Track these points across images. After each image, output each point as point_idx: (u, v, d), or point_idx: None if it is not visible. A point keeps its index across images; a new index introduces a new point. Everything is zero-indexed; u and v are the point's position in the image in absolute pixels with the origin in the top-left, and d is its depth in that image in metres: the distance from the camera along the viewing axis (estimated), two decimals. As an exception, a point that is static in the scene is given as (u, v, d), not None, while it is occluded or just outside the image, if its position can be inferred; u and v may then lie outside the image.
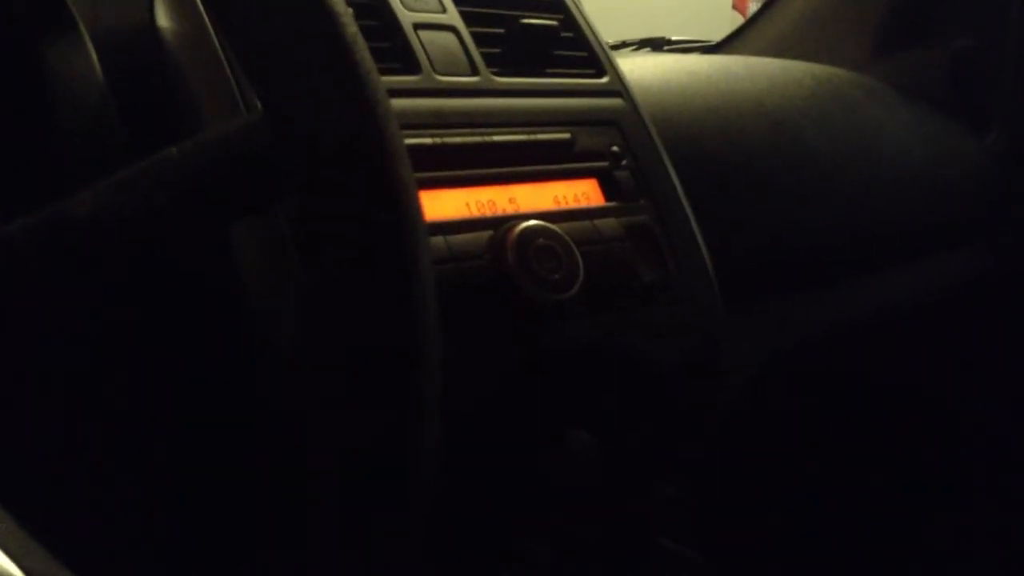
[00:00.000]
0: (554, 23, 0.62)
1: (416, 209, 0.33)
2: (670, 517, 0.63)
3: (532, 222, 0.52)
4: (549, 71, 0.62)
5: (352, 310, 0.33)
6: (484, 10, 0.60)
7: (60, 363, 0.44)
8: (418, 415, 0.33)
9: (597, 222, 0.56)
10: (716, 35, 1.17)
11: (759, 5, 1.15)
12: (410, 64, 0.55)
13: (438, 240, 0.50)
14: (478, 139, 0.55)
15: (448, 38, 0.57)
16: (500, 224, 0.52)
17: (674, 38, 1.19)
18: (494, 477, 0.55)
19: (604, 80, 0.64)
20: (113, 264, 0.36)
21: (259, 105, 0.35)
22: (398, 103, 0.53)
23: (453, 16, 0.58)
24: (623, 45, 1.16)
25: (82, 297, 0.38)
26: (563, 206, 0.57)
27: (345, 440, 0.33)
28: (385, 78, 0.53)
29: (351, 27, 0.33)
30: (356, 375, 0.33)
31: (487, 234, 0.52)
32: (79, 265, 0.36)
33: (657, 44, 1.17)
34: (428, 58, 0.55)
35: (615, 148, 0.60)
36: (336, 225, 0.33)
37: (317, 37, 0.33)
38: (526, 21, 0.60)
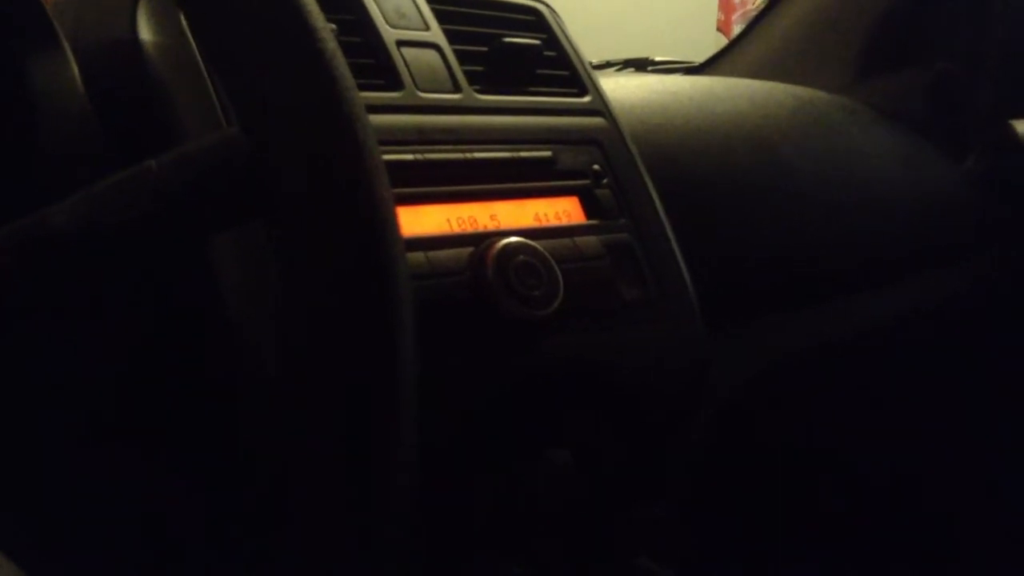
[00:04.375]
0: (537, 42, 0.63)
1: (393, 225, 0.33)
2: (648, 537, 0.63)
3: (513, 239, 0.52)
4: (531, 89, 0.62)
5: (328, 325, 0.33)
6: (467, 28, 0.61)
7: (36, 375, 0.43)
8: (395, 432, 0.33)
9: (578, 240, 0.57)
10: (700, 56, 1.18)
11: (743, 27, 1.17)
12: (393, 81, 0.55)
13: (418, 256, 0.50)
14: (460, 156, 0.55)
15: (431, 55, 0.57)
16: (481, 240, 0.52)
17: (657, 58, 1.20)
18: (471, 494, 0.54)
19: (586, 99, 0.64)
20: (90, 276, 0.36)
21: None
22: (380, 119, 0.53)
23: (436, 34, 0.59)
24: (607, 65, 1.17)
25: (58, 310, 0.38)
26: (544, 223, 0.57)
27: (321, 458, 0.33)
28: (367, 94, 0.53)
29: (330, 43, 0.33)
30: (332, 390, 0.33)
31: (468, 250, 0.52)
32: (56, 277, 0.35)
33: (640, 64, 1.18)
34: (411, 75, 0.56)
35: (596, 167, 0.61)
36: (312, 240, 0.33)
37: (296, 53, 0.33)
38: (509, 40, 0.61)
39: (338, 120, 0.33)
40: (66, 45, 0.50)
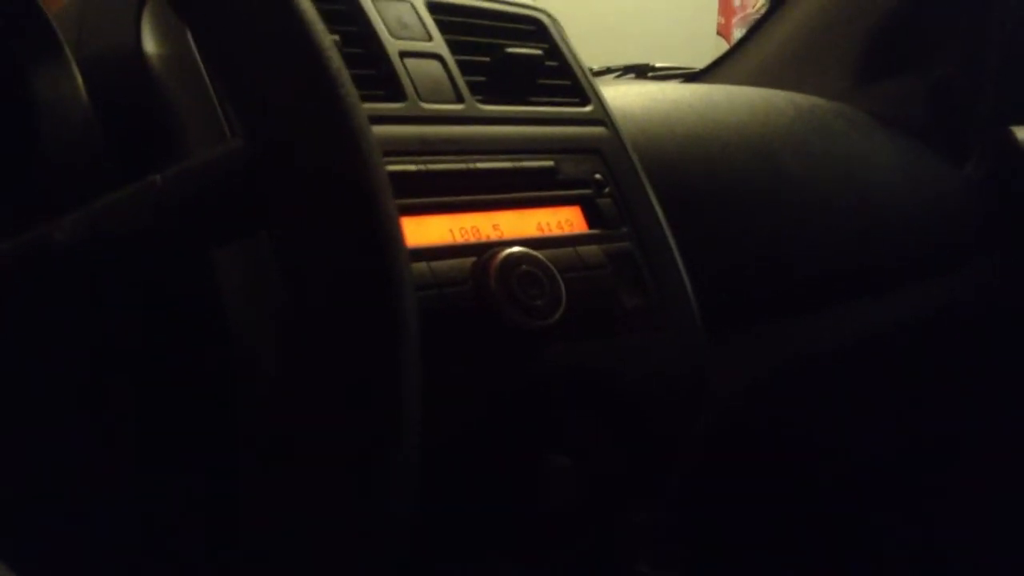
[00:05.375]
0: (538, 52, 0.63)
1: (398, 237, 0.33)
2: (648, 542, 0.63)
3: (515, 249, 0.53)
4: (533, 99, 0.62)
5: (331, 337, 0.33)
6: (469, 39, 0.61)
7: (38, 384, 0.44)
8: (398, 442, 0.33)
9: (580, 249, 0.57)
10: (700, 59, 1.18)
11: (743, 31, 1.17)
12: (395, 91, 0.55)
13: (421, 266, 0.50)
14: (462, 166, 0.55)
15: (433, 66, 0.58)
16: (483, 250, 0.52)
17: (658, 64, 1.20)
18: (472, 501, 0.55)
19: (588, 109, 0.64)
20: (94, 290, 0.36)
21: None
22: (383, 130, 0.53)
23: (439, 44, 0.59)
24: (607, 71, 1.17)
25: (61, 322, 0.38)
26: (546, 233, 0.57)
27: (322, 467, 0.33)
28: (370, 105, 0.53)
29: (335, 59, 0.34)
30: (335, 403, 0.33)
31: (470, 260, 0.52)
32: (58, 291, 0.36)
33: (641, 70, 1.18)
34: (413, 86, 0.56)
35: (598, 176, 0.61)
36: (316, 253, 0.33)
37: (301, 68, 0.33)
38: (511, 50, 0.61)
39: (342, 134, 0.33)
40: (69, 54, 0.50)
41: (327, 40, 0.34)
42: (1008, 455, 1.01)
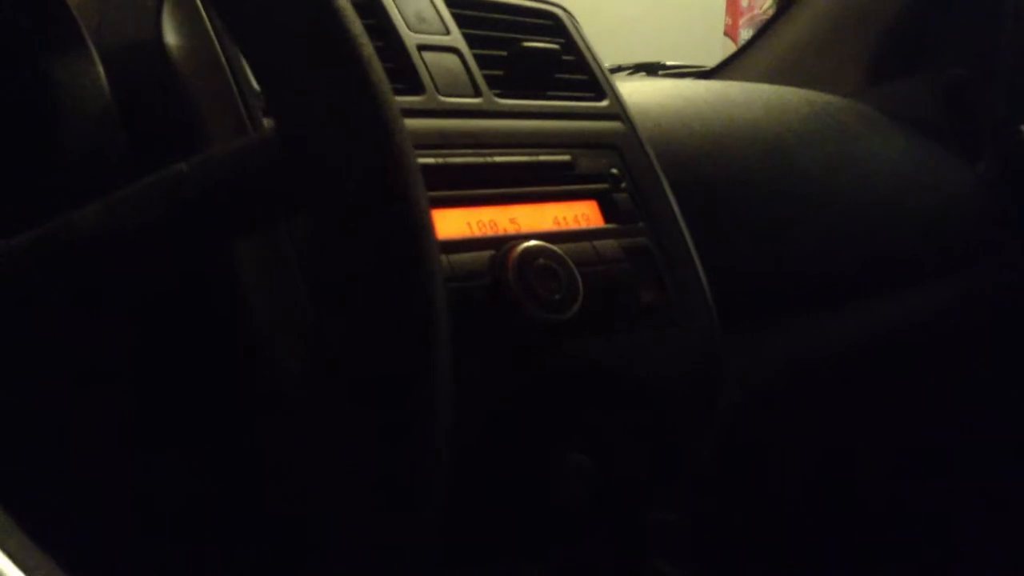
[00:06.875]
0: (555, 47, 0.63)
1: (430, 229, 0.33)
2: (665, 540, 0.63)
3: (533, 242, 0.53)
4: (550, 94, 0.62)
5: (362, 331, 0.33)
6: (487, 33, 0.61)
7: (59, 377, 0.44)
8: (431, 435, 0.33)
9: (596, 243, 0.57)
10: (707, 60, 1.18)
11: (751, 32, 1.17)
12: (414, 85, 0.55)
13: (441, 259, 0.50)
14: (480, 160, 0.55)
15: (452, 60, 0.58)
16: (501, 244, 0.53)
17: (669, 63, 1.20)
18: (486, 496, 0.55)
19: (604, 103, 0.64)
20: (116, 279, 0.36)
21: (265, 122, 0.35)
22: (402, 123, 0.53)
23: (457, 38, 0.59)
24: (618, 69, 1.17)
25: (84, 312, 0.38)
26: (563, 227, 0.57)
27: (352, 468, 0.33)
28: (390, 98, 0.53)
29: (368, 48, 0.34)
30: (367, 394, 0.33)
31: (488, 254, 0.52)
32: (82, 280, 0.35)
33: (652, 69, 1.18)
34: (432, 79, 0.56)
35: (614, 170, 0.61)
36: (348, 244, 0.33)
37: (335, 58, 0.33)
38: (528, 44, 0.61)
39: (378, 127, 0.33)
40: (91, 46, 0.50)
41: (360, 29, 0.34)
42: (1019, 454, 1.01)
